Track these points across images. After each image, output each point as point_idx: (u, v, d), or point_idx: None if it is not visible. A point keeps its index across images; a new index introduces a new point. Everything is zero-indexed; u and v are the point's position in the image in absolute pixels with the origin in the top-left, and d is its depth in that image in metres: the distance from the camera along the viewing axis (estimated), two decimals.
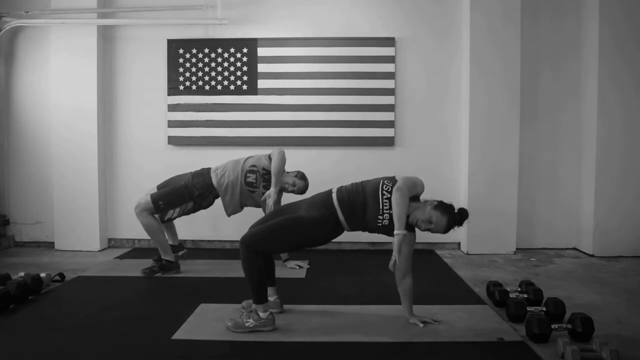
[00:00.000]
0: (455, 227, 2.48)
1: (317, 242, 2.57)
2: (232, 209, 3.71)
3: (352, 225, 2.54)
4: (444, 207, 2.44)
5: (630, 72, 4.26)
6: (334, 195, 2.54)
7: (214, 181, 3.61)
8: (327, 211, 2.49)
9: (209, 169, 3.70)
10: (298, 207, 2.59)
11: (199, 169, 3.76)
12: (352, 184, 2.61)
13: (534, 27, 4.49)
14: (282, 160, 3.54)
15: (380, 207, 2.46)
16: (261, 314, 2.45)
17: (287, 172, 3.76)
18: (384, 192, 2.46)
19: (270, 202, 3.48)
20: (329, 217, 2.49)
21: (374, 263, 3.93)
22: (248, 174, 3.61)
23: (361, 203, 2.49)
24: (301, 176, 3.74)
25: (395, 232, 2.39)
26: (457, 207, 2.50)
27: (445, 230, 2.45)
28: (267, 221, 2.55)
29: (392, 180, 2.51)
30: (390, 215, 2.43)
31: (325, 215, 2.48)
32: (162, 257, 3.58)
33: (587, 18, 4.39)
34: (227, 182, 3.61)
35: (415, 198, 2.52)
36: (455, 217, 2.45)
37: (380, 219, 2.46)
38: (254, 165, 3.63)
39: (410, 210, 2.44)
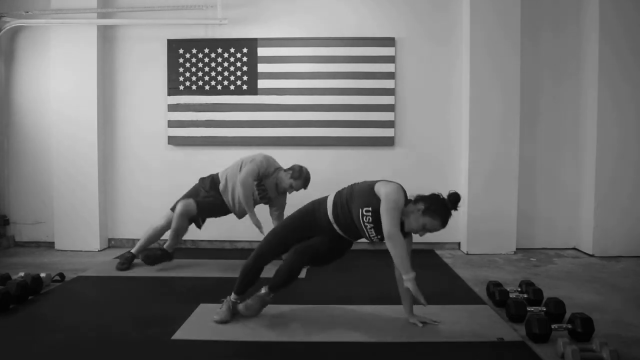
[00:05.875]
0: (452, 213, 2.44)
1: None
2: (240, 215, 3.81)
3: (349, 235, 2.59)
4: (431, 210, 2.36)
5: (630, 76, 4.25)
6: (331, 216, 2.55)
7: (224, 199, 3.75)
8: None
9: (217, 177, 3.79)
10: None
11: (208, 177, 3.82)
12: (341, 200, 2.54)
13: (534, 31, 4.49)
14: (245, 189, 3.55)
15: (368, 235, 2.49)
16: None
17: (283, 172, 3.73)
18: (365, 224, 2.45)
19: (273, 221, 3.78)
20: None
21: (373, 263, 3.93)
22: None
23: (352, 225, 2.52)
24: (297, 175, 3.69)
25: (404, 277, 2.37)
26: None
27: (443, 227, 2.41)
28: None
29: (370, 201, 2.42)
30: (377, 233, 2.46)
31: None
32: (136, 250, 3.75)
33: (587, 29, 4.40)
34: (231, 196, 3.71)
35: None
36: (446, 211, 2.39)
37: (372, 238, 2.51)
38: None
39: (403, 218, 2.42)
